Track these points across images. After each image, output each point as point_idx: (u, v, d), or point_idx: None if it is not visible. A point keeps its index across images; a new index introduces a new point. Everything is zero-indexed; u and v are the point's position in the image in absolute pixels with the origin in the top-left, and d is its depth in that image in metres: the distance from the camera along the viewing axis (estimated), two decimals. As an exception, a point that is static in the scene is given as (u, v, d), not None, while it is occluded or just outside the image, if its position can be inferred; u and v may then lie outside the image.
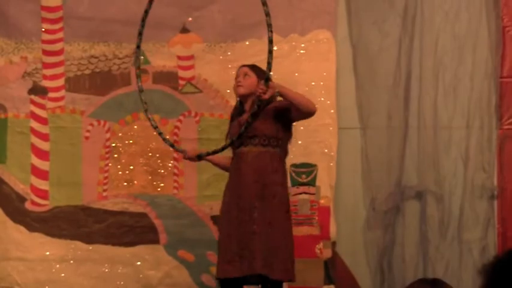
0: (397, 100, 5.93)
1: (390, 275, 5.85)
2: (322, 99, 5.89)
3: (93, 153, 6.02)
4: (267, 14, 4.43)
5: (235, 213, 4.70)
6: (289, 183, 5.89)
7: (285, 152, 4.88)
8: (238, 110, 4.93)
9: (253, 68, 4.95)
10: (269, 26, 4.44)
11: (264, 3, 4.45)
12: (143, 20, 4.91)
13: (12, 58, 6.05)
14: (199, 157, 4.90)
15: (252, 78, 4.88)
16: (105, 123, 6.02)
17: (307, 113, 4.76)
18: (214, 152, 4.80)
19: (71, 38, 6.04)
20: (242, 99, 4.91)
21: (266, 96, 4.55)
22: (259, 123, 4.69)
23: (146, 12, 4.92)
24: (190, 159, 4.94)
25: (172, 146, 5.06)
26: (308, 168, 5.94)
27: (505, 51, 5.95)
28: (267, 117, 4.74)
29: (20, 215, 5.99)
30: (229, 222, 4.72)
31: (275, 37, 5.87)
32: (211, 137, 5.83)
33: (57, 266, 5.97)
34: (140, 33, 4.95)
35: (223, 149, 4.78)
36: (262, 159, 4.74)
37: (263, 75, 4.80)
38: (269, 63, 4.47)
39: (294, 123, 4.87)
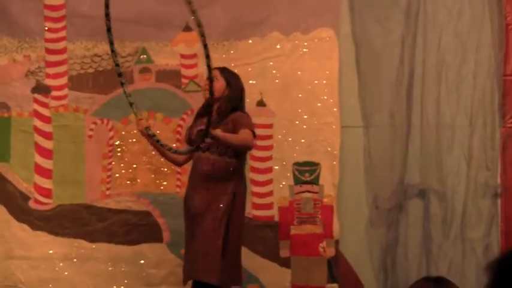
0: (400, 98, 5.93)
1: (393, 273, 5.85)
2: (325, 97, 5.89)
3: (96, 151, 6.02)
4: (199, 25, 4.41)
5: (186, 214, 4.99)
6: (292, 182, 5.94)
7: (242, 162, 4.99)
8: (205, 109, 4.93)
9: (223, 71, 5.03)
10: (201, 34, 4.41)
11: (193, 12, 4.42)
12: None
13: (16, 57, 6.05)
14: (147, 129, 4.97)
15: (221, 82, 4.96)
16: (108, 122, 6.03)
17: (245, 150, 4.97)
18: (160, 144, 4.93)
19: (74, 37, 6.04)
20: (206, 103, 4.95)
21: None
22: (219, 132, 4.77)
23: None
24: (140, 130, 5.01)
25: (131, 105, 5.06)
26: (311, 167, 5.94)
27: (508, 49, 5.94)
28: (227, 127, 4.84)
29: (24, 214, 5.99)
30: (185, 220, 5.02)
31: (278, 35, 5.99)
32: (214, 136, 5.83)
33: (61, 264, 5.97)
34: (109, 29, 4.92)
35: (176, 151, 5.06)
36: (217, 168, 4.87)
37: (233, 79, 4.96)
38: (209, 66, 4.46)
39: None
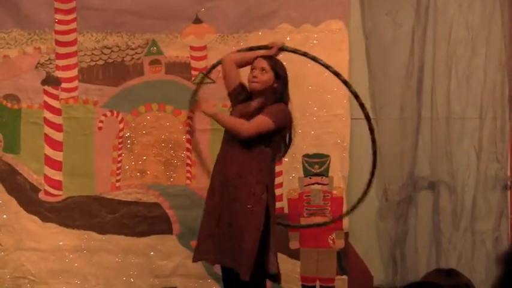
0: (410, 91, 5.93)
1: (403, 266, 5.86)
2: (335, 89, 5.88)
3: (106, 143, 6.04)
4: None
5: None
6: (301, 174, 5.95)
7: (268, 156, 4.75)
8: (243, 96, 4.86)
9: (271, 61, 4.84)
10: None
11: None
12: None
13: (26, 49, 6.06)
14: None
15: (269, 74, 4.81)
16: (118, 114, 6.04)
17: (236, 136, 4.69)
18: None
19: (84, 29, 6.05)
20: (253, 92, 4.85)
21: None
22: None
23: None
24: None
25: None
26: (321, 159, 5.94)
27: (518, 41, 5.94)
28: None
29: (34, 206, 6.01)
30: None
31: (288, 27, 5.99)
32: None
33: (71, 256, 5.99)
34: None
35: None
36: (238, 160, 4.69)
37: (281, 70, 4.80)
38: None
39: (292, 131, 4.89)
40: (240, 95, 4.90)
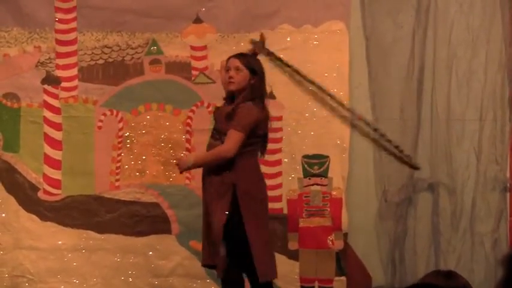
0: (410, 92, 5.92)
1: (402, 267, 5.85)
2: (335, 90, 5.84)
3: (105, 143, 6.03)
4: None
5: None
6: (301, 174, 5.94)
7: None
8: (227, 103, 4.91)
9: (244, 59, 4.85)
10: None
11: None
12: None
13: (26, 48, 6.06)
14: None
15: (244, 72, 4.81)
16: (118, 113, 6.03)
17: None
18: None
19: (84, 28, 6.05)
20: (230, 94, 4.87)
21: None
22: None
23: None
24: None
25: None
26: (320, 160, 5.94)
27: (519, 43, 5.93)
28: (230, 120, 4.77)
29: (33, 204, 6.01)
30: None
31: (289, 27, 5.98)
32: (224, 128, 5.83)
33: (69, 255, 5.99)
34: None
35: None
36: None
37: (257, 66, 4.82)
38: None
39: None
40: None
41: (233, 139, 4.72)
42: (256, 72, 4.82)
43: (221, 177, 4.76)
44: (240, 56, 4.87)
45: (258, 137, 4.84)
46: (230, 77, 4.79)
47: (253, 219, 4.78)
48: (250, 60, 4.85)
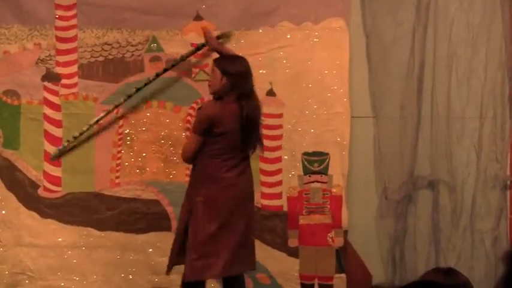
0: (410, 90, 5.92)
1: (402, 264, 5.86)
2: (335, 87, 5.89)
3: (105, 140, 6.03)
4: None
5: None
6: (301, 172, 5.94)
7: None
8: None
9: (217, 60, 5.07)
10: None
11: None
12: None
13: (26, 45, 6.06)
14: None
15: (216, 73, 4.95)
16: (118, 110, 6.03)
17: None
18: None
19: (84, 25, 6.04)
20: (214, 97, 4.98)
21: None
22: None
23: None
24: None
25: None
26: (320, 157, 5.94)
27: (520, 40, 5.93)
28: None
29: (33, 202, 6.01)
30: None
31: (288, 25, 5.98)
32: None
33: (69, 252, 5.99)
34: None
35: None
36: None
37: (228, 65, 4.93)
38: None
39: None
40: None
41: (185, 145, 5.02)
42: (227, 72, 4.90)
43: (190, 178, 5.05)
44: (215, 58, 5.09)
45: (215, 135, 4.86)
46: (208, 81, 4.98)
47: (194, 219, 4.90)
48: (221, 62, 5.02)
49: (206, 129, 4.84)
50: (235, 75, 4.89)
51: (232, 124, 4.86)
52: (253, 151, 5.06)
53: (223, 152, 4.89)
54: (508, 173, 5.91)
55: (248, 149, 5.00)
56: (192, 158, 4.93)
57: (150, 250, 5.98)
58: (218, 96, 4.92)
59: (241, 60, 5.02)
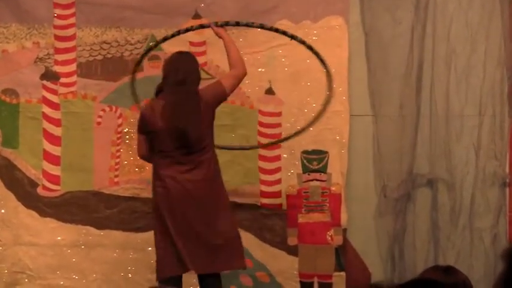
0: (409, 88, 5.92)
1: (401, 262, 5.86)
2: (334, 86, 5.87)
3: (105, 138, 6.04)
4: None
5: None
6: (300, 170, 5.94)
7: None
8: None
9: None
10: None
11: None
12: None
13: (25, 43, 6.06)
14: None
15: None
16: (117, 109, 6.03)
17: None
18: None
19: (83, 24, 6.05)
20: None
21: None
22: None
23: None
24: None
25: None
26: (319, 155, 5.94)
27: (518, 39, 5.94)
28: None
29: (32, 200, 6.02)
30: None
31: (287, 23, 5.97)
32: (223, 123, 5.80)
33: (69, 251, 5.99)
34: None
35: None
36: None
37: (164, 64, 4.97)
38: None
39: None
40: None
41: (137, 144, 4.99)
42: (163, 68, 4.94)
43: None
44: None
45: (150, 133, 4.79)
46: None
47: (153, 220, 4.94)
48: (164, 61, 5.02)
49: (142, 128, 4.83)
50: (163, 70, 4.88)
51: (160, 121, 4.74)
52: (207, 148, 4.83)
53: (162, 149, 4.77)
54: (507, 170, 5.91)
55: (191, 146, 4.75)
56: (144, 156, 4.91)
57: (150, 249, 5.95)
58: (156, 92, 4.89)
59: (175, 54, 4.94)
